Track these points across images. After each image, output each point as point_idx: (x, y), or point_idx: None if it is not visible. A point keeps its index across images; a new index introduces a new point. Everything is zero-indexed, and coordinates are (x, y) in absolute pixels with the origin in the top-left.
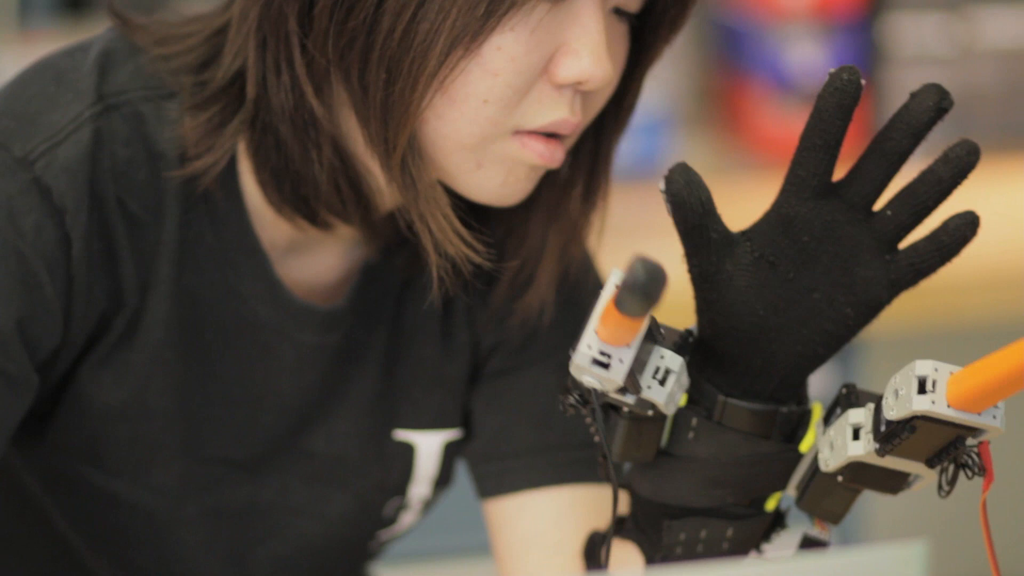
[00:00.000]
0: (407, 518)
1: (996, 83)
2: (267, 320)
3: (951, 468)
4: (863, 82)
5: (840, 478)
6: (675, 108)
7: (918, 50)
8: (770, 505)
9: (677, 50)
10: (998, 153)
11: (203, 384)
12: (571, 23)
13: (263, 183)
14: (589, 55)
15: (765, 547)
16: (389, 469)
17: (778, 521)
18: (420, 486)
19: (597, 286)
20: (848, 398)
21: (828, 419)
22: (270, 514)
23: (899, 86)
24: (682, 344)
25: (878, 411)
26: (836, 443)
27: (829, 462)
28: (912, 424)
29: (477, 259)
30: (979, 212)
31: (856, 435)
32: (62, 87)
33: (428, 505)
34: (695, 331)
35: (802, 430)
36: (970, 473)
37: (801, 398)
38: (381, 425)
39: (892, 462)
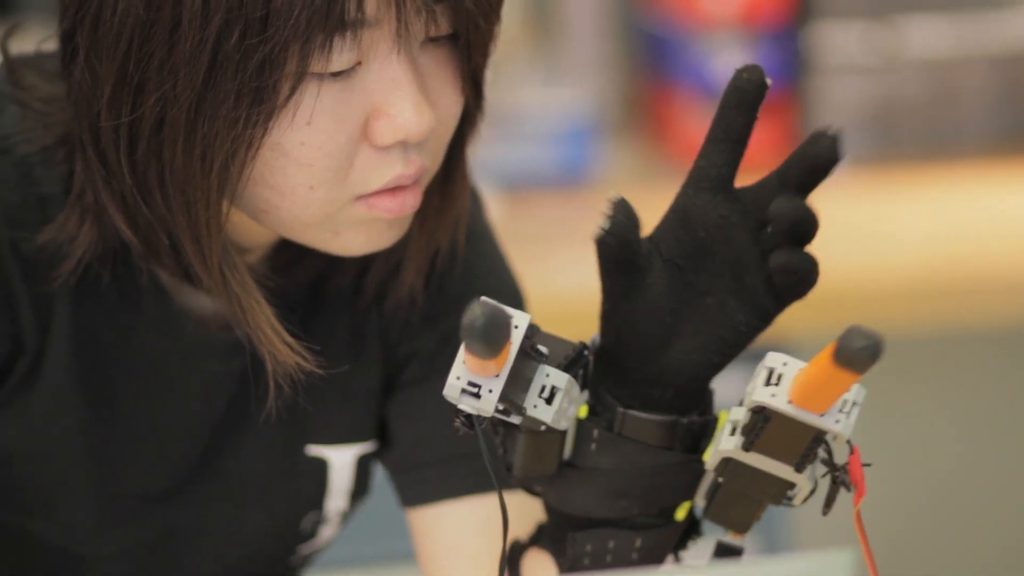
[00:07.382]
0: (326, 532)
1: (920, 92)
2: (170, 353)
3: (829, 484)
4: (768, 80)
5: (720, 479)
6: (601, 116)
7: (843, 59)
8: (679, 515)
9: (603, 58)
10: (922, 163)
11: (109, 423)
12: (374, 86)
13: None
14: (402, 112)
15: (683, 554)
16: (303, 485)
17: (694, 528)
18: (336, 499)
19: (464, 278)
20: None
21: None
22: (188, 539)
23: (824, 95)
24: (574, 358)
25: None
26: (717, 442)
27: (710, 461)
28: (765, 415)
29: (307, 366)
30: (906, 221)
31: (733, 432)
32: None
33: (346, 517)
34: (597, 341)
35: (706, 440)
36: (845, 488)
37: (704, 408)
38: (292, 442)
39: (763, 463)
